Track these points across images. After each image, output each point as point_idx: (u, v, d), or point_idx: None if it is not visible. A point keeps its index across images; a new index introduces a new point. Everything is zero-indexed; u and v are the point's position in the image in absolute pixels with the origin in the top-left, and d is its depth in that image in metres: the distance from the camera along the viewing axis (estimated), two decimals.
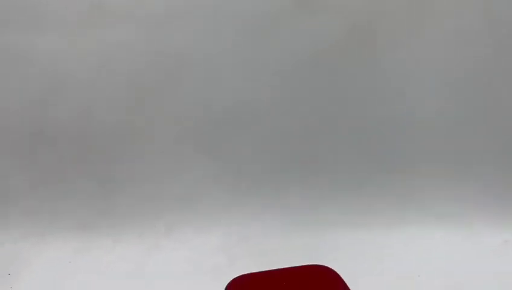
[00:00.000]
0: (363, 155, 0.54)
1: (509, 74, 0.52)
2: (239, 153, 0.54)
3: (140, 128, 0.52)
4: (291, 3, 0.49)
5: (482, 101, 0.53)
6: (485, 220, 0.54)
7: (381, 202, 0.55)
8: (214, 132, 0.53)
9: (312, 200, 0.54)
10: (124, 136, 0.52)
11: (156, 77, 0.51)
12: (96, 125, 0.51)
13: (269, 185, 0.54)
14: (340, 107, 0.53)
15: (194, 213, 0.54)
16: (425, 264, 0.51)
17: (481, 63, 0.52)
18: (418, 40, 0.51)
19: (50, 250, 0.51)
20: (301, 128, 0.54)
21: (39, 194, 0.53)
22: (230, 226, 0.53)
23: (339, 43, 0.51)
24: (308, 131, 0.54)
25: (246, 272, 0.42)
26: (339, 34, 0.50)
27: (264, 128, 0.53)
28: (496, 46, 0.51)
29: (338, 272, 0.43)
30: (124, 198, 0.53)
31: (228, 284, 0.40)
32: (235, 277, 0.41)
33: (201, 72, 0.51)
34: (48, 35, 0.49)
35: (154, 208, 0.53)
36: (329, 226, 0.53)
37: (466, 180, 0.55)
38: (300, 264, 0.43)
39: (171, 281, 0.47)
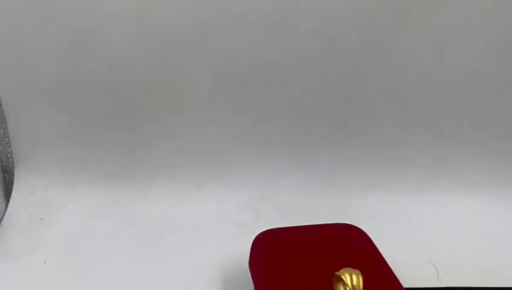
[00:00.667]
0: (394, 118, 0.53)
1: None
2: (269, 111, 0.53)
3: (171, 82, 0.52)
4: None
5: None
6: None
7: (411, 167, 0.54)
8: (245, 89, 0.53)
9: (341, 161, 0.54)
10: (155, 90, 0.52)
11: (188, 34, 0.50)
12: (129, 78, 0.51)
13: (298, 144, 0.54)
14: (372, 68, 0.52)
15: (223, 169, 0.54)
16: (451, 230, 0.51)
17: None
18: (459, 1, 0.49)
19: (80, 198, 0.53)
20: (332, 89, 0.53)
21: (71, 144, 0.54)
22: (258, 183, 0.54)
23: (373, 3, 0.49)
24: (338, 92, 0.53)
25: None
26: None
27: (294, 88, 0.53)
28: None
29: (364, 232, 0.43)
30: (153, 151, 0.53)
31: (255, 238, 0.41)
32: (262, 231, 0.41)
33: (233, 31, 0.50)
34: None
35: (183, 162, 0.54)
36: (358, 188, 0.54)
37: (497, 149, 0.54)
38: (326, 223, 0.43)
39: (198, 233, 0.49)
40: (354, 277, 0.34)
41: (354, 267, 0.35)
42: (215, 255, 0.45)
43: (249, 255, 0.40)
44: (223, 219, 0.50)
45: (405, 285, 0.40)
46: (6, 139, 0.53)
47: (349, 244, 0.40)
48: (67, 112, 0.52)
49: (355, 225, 0.44)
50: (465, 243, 0.49)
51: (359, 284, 0.33)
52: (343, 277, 0.34)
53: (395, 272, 0.39)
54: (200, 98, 0.52)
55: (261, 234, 0.41)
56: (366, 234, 0.42)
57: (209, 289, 0.42)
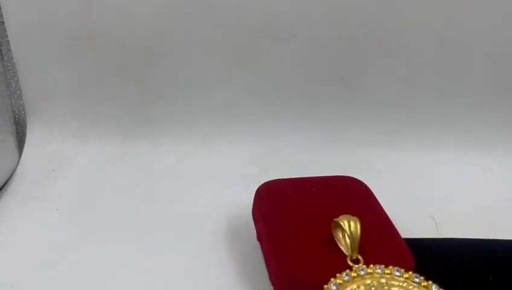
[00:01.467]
0: (402, 75, 0.54)
1: None
2: (277, 66, 0.54)
3: (179, 37, 0.52)
4: None
5: None
6: None
7: (418, 124, 0.55)
8: (251, 43, 0.53)
9: (348, 118, 0.55)
10: (164, 44, 0.52)
11: None
12: (137, 33, 0.52)
13: (306, 100, 0.55)
14: (382, 24, 0.52)
15: (230, 124, 0.55)
16: (455, 186, 0.51)
17: None
18: None
19: (91, 151, 0.54)
20: (339, 44, 0.53)
21: (81, 97, 0.55)
22: (263, 138, 0.55)
23: None
24: (346, 47, 0.53)
25: None
26: None
27: (301, 42, 0.53)
28: None
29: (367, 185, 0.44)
30: (162, 105, 0.55)
31: (259, 187, 0.42)
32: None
33: None
34: None
35: (191, 117, 0.55)
36: (363, 144, 0.54)
37: (505, 108, 0.54)
38: (329, 175, 0.44)
39: (204, 185, 0.50)
40: (352, 223, 0.35)
41: (353, 215, 0.36)
42: (221, 205, 0.47)
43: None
44: (230, 172, 0.52)
45: (403, 236, 0.41)
46: (18, 92, 0.55)
47: (350, 195, 0.42)
48: (77, 66, 0.53)
49: (360, 179, 0.45)
50: (468, 200, 0.49)
51: (357, 230, 0.35)
52: (341, 223, 0.35)
53: (394, 223, 0.40)
54: (208, 52, 0.53)
55: (264, 184, 0.42)
56: (367, 186, 0.44)
57: (215, 236, 0.43)
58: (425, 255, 0.40)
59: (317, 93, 0.55)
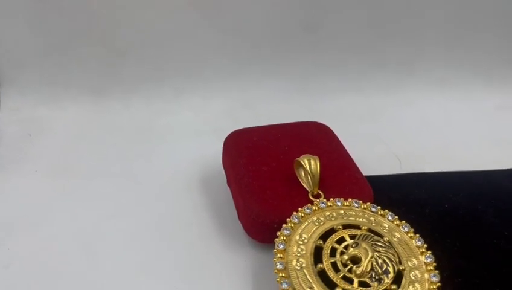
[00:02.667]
0: (364, 21, 0.55)
1: None
2: (242, 20, 0.55)
3: None
4: None
5: None
6: (481, 86, 0.56)
7: (381, 69, 0.57)
8: None
9: (313, 65, 0.57)
10: (131, 4, 0.53)
11: None
12: None
13: (274, 52, 0.57)
14: None
15: (200, 79, 0.57)
16: (418, 126, 0.54)
17: None
18: None
19: (66, 114, 0.56)
20: None
21: (52, 61, 0.56)
22: (234, 91, 0.57)
23: None
24: None
25: None
26: None
27: None
28: None
29: (334, 130, 0.47)
30: (132, 65, 0.56)
31: (227, 136, 0.45)
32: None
33: None
34: None
35: (161, 75, 0.56)
36: (329, 92, 0.57)
37: (465, 47, 0.56)
38: (294, 121, 0.46)
39: (178, 140, 0.52)
40: (312, 161, 0.38)
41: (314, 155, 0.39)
42: (195, 157, 0.49)
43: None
44: (202, 125, 0.54)
45: (369, 174, 0.44)
46: None
47: (314, 138, 0.44)
48: (43, 31, 0.54)
49: (324, 124, 0.47)
50: (430, 138, 0.53)
51: (316, 168, 0.38)
52: (302, 162, 0.38)
53: (359, 164, 0.43)
54: (175, 8, 0.54)
55: (231, 133, 0.45)
56: (330, 130, 0.46)
57: (189, 185, 0.46)
58: (388, 189, 0.43)
59: (283, 45, 0.56)
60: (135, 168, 0.48)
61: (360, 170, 0.42)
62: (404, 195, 0.42)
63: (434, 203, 0.41)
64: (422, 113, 0.55)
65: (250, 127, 0.45)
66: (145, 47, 0.55)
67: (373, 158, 0.49)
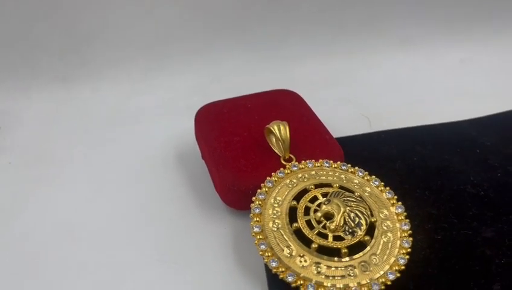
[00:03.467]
0: None
1: None
2: None
3: None
4: None
5: None
6: (445, 41, 0.58)
7: (346, 32, 0.58)
8: None
9: (278, 34, 0.57)
10: None
11: None
12: None
13: (235, 24, 0.57)
14: None
15: (166, 57, 0.57)
16: (387, 85, 0.56)
17: None
18: None
19: (34, 103, 0.56)
20: None
21: (15, 51, 0.55)
22: (201, 67, 0.57)
23: None
24: None
25: None
26: None
27: None
28: None
29: (303, 97, 0.48)
30: (97, 49, 0.56)
31: (197, 111, 0.45)
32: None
33: None
34: None
35: (128, 56, 0.56)
36: (296, 59, 0.58)
37: (426, 3, 0.57)
38: (263, 91, 0.47)
39: (150, 120, 0.53)
40: (281, 127, 0.39)
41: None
42: (169, 135, 0.50)
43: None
44: (173, 103, 0.54)
45: (339, 136, 0.45)
46: None
47: (283, 106, 0.45)
48: (2, 22, 0.53)
49: (293, 91, 0.48)
50: (398, 96, 0.54)
51: (286, 133, 0.39)
52: (272, 129, 0.39)
53: (330, 127, 0.44)
54: None
55: (202, 107, 0.46)
56: (299, 96, 0.47)
57: (166, 163, 0.46)
58: (358, 148, 0.45)
59: (246, 15, 0.57)
60: (110, 152, 0.49)
61: (332, 132, 0.43)
62: (374, 152, 0.44)
63: (403, 157, 0.43)
64: (389, 72, 0.56)
65: (219, 100, 0.46)
66: (108, 30, 0.55)
67: (343, 120, 0.50)
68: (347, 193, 0.35)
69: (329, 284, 0.31)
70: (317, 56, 0.57)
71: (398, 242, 0.34)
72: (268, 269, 0.32)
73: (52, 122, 0.54)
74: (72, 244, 0.39)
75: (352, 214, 0.34)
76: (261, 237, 0.33)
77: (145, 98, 0.55)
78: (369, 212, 0.35)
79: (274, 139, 0.40)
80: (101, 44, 0.56)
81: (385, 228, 0.34)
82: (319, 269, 0.32)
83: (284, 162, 0.39)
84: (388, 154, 0.44)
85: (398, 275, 0.32)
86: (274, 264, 0.32)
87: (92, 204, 0.42)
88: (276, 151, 0.39)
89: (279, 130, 0.39)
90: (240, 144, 0.41)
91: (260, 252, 0.33)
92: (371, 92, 0.54)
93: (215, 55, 0.58)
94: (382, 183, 0.38)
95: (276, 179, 0.37)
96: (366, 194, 0.36)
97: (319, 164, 0.38)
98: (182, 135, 0.49)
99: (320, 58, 0.57)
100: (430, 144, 0.44)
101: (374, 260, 0.32)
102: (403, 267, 0.32)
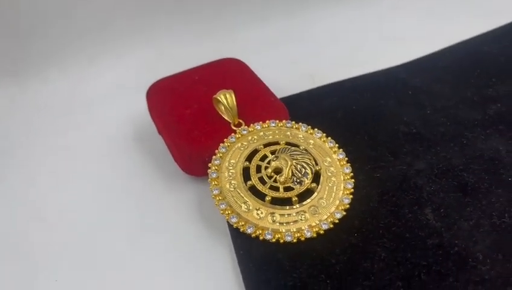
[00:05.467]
0: None
1: None
2: None
3: None
4: None
5: None
6: None
7: None
8: None
9: (218, 3, 0.60)
10: None
11: None
12: None
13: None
14: None
15: (110, 39, 0.59)
16: (326, 41, 0.60)
17: None
18: None
19: None
20: None
21: None
22: (146, 45, 0.60)
23: None
24: None
25: None
26: None
27: None
28: None
29: (248, 62, 0.51)
30: (41, 40, 0.57)
31: (148, 90, 0.49)
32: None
33: None
34: None
35: (72, 44, 0.58)
36: (238, 25, 0.61)
37: None
38: (209, 61, 0.51)
39: (103, 103, 0.55)
40: (227, 95, 0.43)
41: (229, 89, 0.44)
42: (125, 116, 0.52)
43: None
44: (125, 84, 0.57)
45: (285, 96, 0.49)
46: None
47: (228, 74, 0.49)
48: None
49: (237, 58, 0.52)
50: (337, 49, 0.58)
51: (232, 100, 0.43)
52: (219, 98, 0.43)
53: (275, 88, 0.48)
54: None
55: (152, 85, 0.49)
56: (243, 63, 0.51)
57: (124, 145, 0.50)
58: (303, 105, 0.49)
59: None
60: (70, 139, 0.51)
61: (277, 93, 0.47)
62: (317, 106, 0.48)
63: (344, 107, 0.47)
64: (326, 27, 0.60)
65: (168, 76, 0.49)
66: (48, 21, 0.56)
67: (288, 80, 0.54)
68: (293, 148, 0.40)
69: (283, 230, 0.36)
70: (258, 20, 0.61)
71: (342, 184, 0.39)
72: (230, 225, 0.37)
73: (6, 117, 0.55)
74: (43, 230, 0.42)
75: (298, 166, 0.39)
76: (220, 197, 0.38)
77: (96, 82, 0.58)
78: (313, 162, 0.39)
79: (223, 108, 0.43)
80: (44, 36, 0.57)
81: (329, 174, 0.39)
82: (274, 218, 0.36)
83: (234, 128, 0.43)
84: (330, 107, 0.48)
85: (344, 213, 0.37)
86: (234, 220, 0.36)
87: (59, 191, 0.46)
88: (226, 118, 0.43)
89: (226, 99, 0.43)
90: (192, 116, 0.44)
91: (221, 211, 0.37)
92: (311, 48, 0.58)
93: (158, 32, 0.60)
94: (324, 135, 0.42)
95: (228, 144, 0.41)
96: (311, 146, 0.41)
97: (266, 125, 0.43)
98: (137, 113, 0.52)
99: (262, 22, 0.61)
100: (367, 91, 0.49)
101: (322, 203, 0.37)
102: (347, 206, 0.37)
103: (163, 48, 0.60)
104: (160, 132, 0.46)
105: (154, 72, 0.57)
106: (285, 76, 0.54)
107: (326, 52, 0.58)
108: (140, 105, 0.49)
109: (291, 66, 0.56)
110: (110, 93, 0.56)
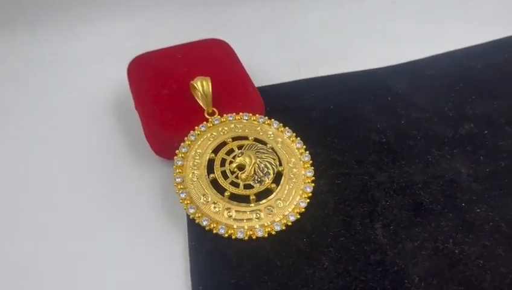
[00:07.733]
0: None
1: None
2: None
3: None
4: None
5: None
6: None
7: None
8: None
9: None
10: None
11: None
12: None
13: None
14: None
15: (104, 2, 0.59)
16: (318, 30, 0.60)
17: None
18: None
19: None
20: None
21: None
22: (141, 11, 0.60)
23: None
24: None
25: None
26: None
27: None
28: None
29: (236, 43, 0.52)
30: None
31: (130, 63, 0.49)
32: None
33: None
34: None
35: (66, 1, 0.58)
36: (232, 3, 0.61)
37: None
38: (194, 40, 0.51)
39: (90, 64, 0.56)
40: (204, 83, 0.44)
41: (211, 75, 0.45)
42: (108, 82, 0.53)
43: None
44: (113, 48, 0.57)
45: (269, 83, 0.50)
46: None
47: (211, 57, 0.49)
48: None
49: (223, 40, 0.52)
50: (329, 40, 0.58)
51: (208, 88, 0.44)
52: (195, 85, 0.44)
53: (259, 74, 0.49)
54: None
55: (134, 58, 0.49)
56: (228, 46, 0.51)
57: (102, 113, 0.51)
58: (282, 98, 0.50)
59: None
60: (48, 98, 0.52)
61: (260, 78, 0.48)
62: (295, 101, 0.49)
63: (321, 106, 0.48)
64: (320, 16, 0.60)
65: (151, 51, 0.50)
66: None
67: (273, 66, 0.55)
68: (260, 145, 0.41)
69: (235, 226, 0.38)
70: (253, 0, 0.61)
71: (302, 187, 0.40)
72: (187, 215, 0.39)
73: None
74: (14, 193, 0.44)
75: (262, 165, 0.40)
76: (181, 186, 0.39)
77: (83, 44, 0.58)
78: (277, 163, 0.41)
79: (199, 94, 0.44)
80: None
81: (291, 175, 0.41)
82: (229, 213, 0.38)
83: (207, 116, 0.44)
84: (308, 104, 0.49)
85: (298, 216, 0.39)
86: (191, 211, 0.38)
87: (33, 153, 0.47)
88: (201, 104, 0.44)
89: (202, 86, 0.43)
90: (168, 97, 0.45)
91: (180, 200, 0.39)
92: (302, 35, 0.58)
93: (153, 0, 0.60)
94: (294, 134, 0.43)
95: (198, 132, 0.42)
96: (279, 144, 0.42)
97: (239, 117, 0.44)
98: (120, 81, 0.52)
99: (256, 3, 0.61)
100: (347, 92, 0.49)
101: (279, 204, 0.39)
102: (303, 210, 0.39)
103: (156, 17, 0.60)
104: (136, 108, 0.48)
105: (143, 40, 0.58)
106: (270, 61, 0.55)
107: (315, 41, 0.58)
108: (125, 73, 0.50)
109: (278, 50, 0.57)
110: (97, 56, 0.57)
